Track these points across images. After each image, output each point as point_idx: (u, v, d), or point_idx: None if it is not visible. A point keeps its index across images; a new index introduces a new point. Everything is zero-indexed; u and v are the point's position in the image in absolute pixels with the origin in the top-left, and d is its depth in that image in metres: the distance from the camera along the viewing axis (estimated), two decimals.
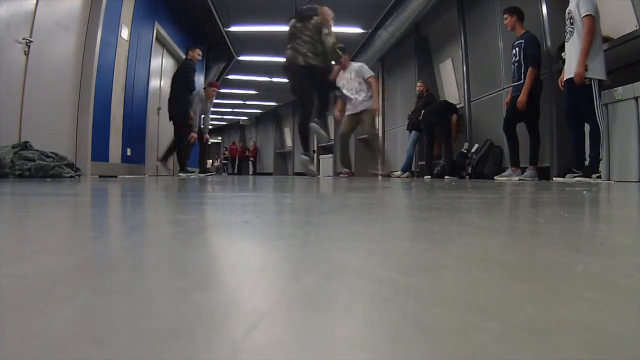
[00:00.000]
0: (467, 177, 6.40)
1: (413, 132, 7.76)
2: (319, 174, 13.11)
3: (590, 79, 4.12)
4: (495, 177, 5.51)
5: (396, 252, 0.56)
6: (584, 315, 0.30)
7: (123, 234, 0.74)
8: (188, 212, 1.16)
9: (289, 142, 19.05)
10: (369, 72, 6.60)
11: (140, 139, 7.04)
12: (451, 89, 8.19)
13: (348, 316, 0.31)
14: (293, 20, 5.58)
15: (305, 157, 5.72)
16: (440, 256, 0.53)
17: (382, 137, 10.64)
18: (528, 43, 4.89)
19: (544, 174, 5.04)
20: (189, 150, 7.51)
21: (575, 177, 4.32)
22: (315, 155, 14.82)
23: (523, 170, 5.13)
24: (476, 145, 6.46)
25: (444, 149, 6.90)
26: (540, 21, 5.18)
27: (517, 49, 5.02)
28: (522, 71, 4.94)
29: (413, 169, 8.30)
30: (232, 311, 0.31)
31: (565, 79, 4.35)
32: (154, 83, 7.70)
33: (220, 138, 28.21)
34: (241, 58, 11.41)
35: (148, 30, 7.05)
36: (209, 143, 7.97)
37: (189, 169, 7.38)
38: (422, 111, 7.20)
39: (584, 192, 2.26)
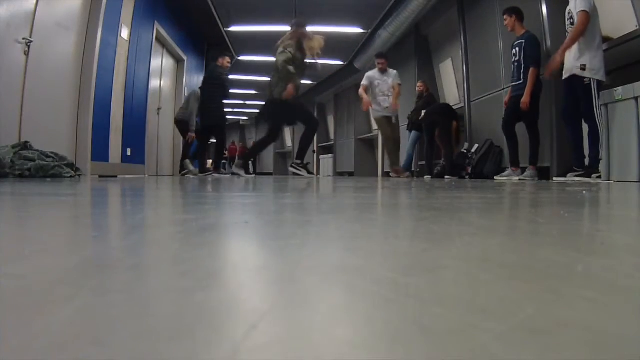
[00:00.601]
0: (467, 177, 6.40)
1: (413, 132, 7.76)
2: (318, 174, 13.12)
3: (590, 78, 4.14)
4: (495, 177, 5.51)
5: (396, 252, 0.56)
6: (584, 315, 0.30)
7: (123, 234, 0.74)
8: (188, 212, 1.16)
9: (289, 142, 19.05)
10: (399, 80, 7.22)
11: (140, 139, 7.04)
12: (451, 89, 8.18)
13: (348, 316, 0.31)
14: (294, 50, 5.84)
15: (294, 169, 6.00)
16: (440, 256, 0.53)
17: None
18: (528, 43, 4.89)
19: (544, 174, 5.04)
20: (188, 150, 7.59)
21: (575, 176, 4.32)
22: (315, 155, 14.84)
23: (523, 170, 5.13)
24: (476, 145, 6.46)
25: (444, 149, 6.90)
26: (540, 21, 5.18)
27: (517, 49, 5.02)
28: (522, 71, 4.94)
29: (413, 169, 8.30)
30: (232, 311, 0.31)
31: (564, 77, 4.36)
32: (154, 83, 7.70)
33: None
34: (241, 58, 11.41)
35: (148, 30, 7.05)
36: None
37: (190, 169, 7.46)
38: (423, 111, 7.21)
39: (584, 192, 2.26)
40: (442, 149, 7.04)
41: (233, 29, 9.47)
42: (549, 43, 5.05)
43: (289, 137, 18.83)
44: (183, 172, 7.48)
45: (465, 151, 6.64)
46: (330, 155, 14.29)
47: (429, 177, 6.98)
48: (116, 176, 5.54)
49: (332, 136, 14.74)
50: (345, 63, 10.96)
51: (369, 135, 11.61)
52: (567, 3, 4.33)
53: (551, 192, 2.26)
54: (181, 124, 7.43)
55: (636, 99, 3.83)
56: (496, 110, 6.02)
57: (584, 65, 4.15)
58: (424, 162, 7.52)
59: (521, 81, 4.95)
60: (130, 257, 0.52)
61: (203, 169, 7.52)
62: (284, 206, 1.36)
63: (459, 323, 0.28)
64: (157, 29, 7.36)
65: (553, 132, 5.01)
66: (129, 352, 0.23)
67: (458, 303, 0.33)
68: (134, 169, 6.59)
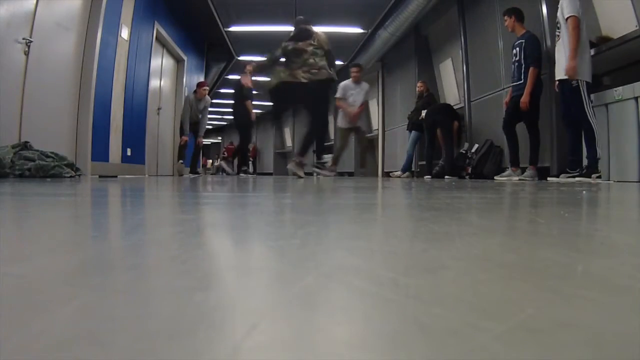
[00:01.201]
0: (467, 177, 6.41)
1: (413, 132, 7.76)
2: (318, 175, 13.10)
3: (577, 80, 4.19)
4: (495, 177, 5.51)
5: (396, 252, 0.56)
6: (584, 315, 0.30)
7: (123, 234, 0.74)
8: (188, 212, 1.16)
9: (289, 142, 19.05)
10: (368, 97, 7.39)
11: (140, 139, 7.05)
12: (451, 89, 8.19)
13: (348, 316, 0.31)
14: (291, 43, 5.71)
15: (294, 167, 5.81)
16: (440, 256, 0.53)
17: (382, 137, 10.66)
18: (528, 43, 4.90)
19: (543, 174, 5.04)
20: (182, 152, 7.70)
21: (570, 177, 4.34)
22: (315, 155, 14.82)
23: (523, 170, 5.13)
24: (476, 145, 6.46)
25: (445, 149, 6.90)
26: (540, 21, 5.18)
27: (517, 49, 5.02)
28: (522, 71, 4.95)
29: (413, 169, 8.30)
30: (232, 311, 0.31)
31: (556, 80, 4.42)
32: (154, 83, 7.70)
33: (220, 138, 28.20)
34: (241, 58, 11.41)
35: (148, 30, 7.05)
36: (201, 145, 8.18)
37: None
38: (424, 111, 7.21)
39: (584, 192, 2.26)
40: (442, 149, 7.04)
41: (233, 29, 9.47)
42: (548, 43, 5.06)
43: (289, 138, 18.83)
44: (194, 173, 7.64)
45: (464, 151, 6.64)
46: (330, 155, 14.26)
47: (429, 177, 6.98)
48: (116, 176, 5.54)
49: (332, 136, 14.73)
50: (345, 63, 10.96)
51: (369, 135, 11.60)
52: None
53: (551, 192, 2.26)
54: (184, 124, 7.58)
55: (636, 99, 3.83)
56: (496, 110, 6.02)
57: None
58: (424, 162, 7.52)
59: (522, 81, 4.95)
60: (130, 257, 0.52)
61: (193, 171, 7.75)
62: (284, 206, 1.36)
63: (459, 323, 0.28)
64: (157, 29, 7.36)
65: (553, 132, 5.01)
66: (129, 352, 0.23)
67: (458, 303, 0.33)
68: (134, 169, 6.59)
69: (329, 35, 5.91)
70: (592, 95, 4.23)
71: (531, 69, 4.83)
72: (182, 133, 7.58)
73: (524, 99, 4.84)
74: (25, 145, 3.95)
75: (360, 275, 0.42)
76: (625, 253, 0.59)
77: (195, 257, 0.51)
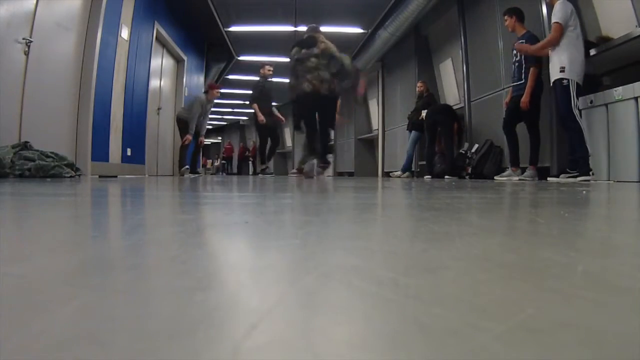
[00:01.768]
0: (467, 177, 6.41)
1: (413, 132, 7.76)
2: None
3: (568, 79, 4.24)
4: (495, 177, 5.51)
5: (396, 252, 0.56)
6: (584, 315, 0.30)
7: (123, 234, 0.74)
8: (188, 212, 1.16)
9: (288, 142, 19.05)
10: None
11: (140, 139, 7.05)
12: (451, 89, 8.19)
13: (348, 316, 0.31)
14: (296, 49, 5.76)
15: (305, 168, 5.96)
16: (441, 256, 0.53)
17: (382, 137, 10.66)
18: (529, 43, 4.90)
19: (544, 174, 5.05)
20: (185, 153, 7.69)
21: (569, 177, 4.35)
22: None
23: (523, 170, 5.13)
24: (476, 145, 6.46)
25: (446, 148, 6.91)
26: (540, 21, 5.18)
27: None
28: (523, 71, 4.96)
29: (413, 169, 8.30)
30: (232, 311, 0.31)
31: (551, 82, 4.48)
32: (154, 83, 7.71)
33: (220, 138, 28.20)
34: (241, 58, 11.42)
35: (148, 30, 7.05)
36: (202, 145, 8.21)
37: (187, 168, 7.58)
38: (424, 110, 7.21)
39: (584, 192, 2.26)
40: (442, 149, 7.04)
41: (233, 29, 9.48)
42: None
43: (289, 138, 18.83)
44: (194, 173, 7.63)
45: (463, 152, 6.65)
46: (330, 155, 14.27)
47: (429, 177, 6.98)
48: (116, 176, 5.54)
49: (332, 136, 14.72)
50: None
51: (369, 135, 11.62)
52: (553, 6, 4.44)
53: (551, 192, 2.26)
54: (184, 123, 7.47)
55: (636, 99, 3.83)
56: (496, 110, 6.02)
57: (563, 67, 4.32)
58: (424, 162, 7.53)
59: (522, 81, 4.96)
60: (130, 257, 0.52)
61: (194, 170, 7.72)
62: (284, 206, 1.36)
63: (459, 323, 0.28)
64: (157, 29, 7.36)
65: (553, 132, 5.01)
66: (129, 352, 0.23)
67: (458, 303, 0.33)
68: (134, 169, 6.59)
69: (329, 36, 5.90)
70: (580, 98, 4.30)
71: (532, 69, 4.84)
72: (185, 132, 7.48)
73: (525, 99, 4.85)
74: (25, 145, 3.95)
75: (360, 275, 0.42)
76: (625, 253, 0.59)
77: (195, 257, 0.51)
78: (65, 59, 4.95)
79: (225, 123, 24.68)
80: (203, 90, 7.77)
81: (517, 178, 5.08)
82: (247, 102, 8.48)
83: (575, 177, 4.32)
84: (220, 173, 21.61)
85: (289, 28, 9.05)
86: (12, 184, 2.58)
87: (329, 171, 6.01)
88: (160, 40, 7.82)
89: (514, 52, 5.08)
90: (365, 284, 0.38)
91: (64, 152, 4.41)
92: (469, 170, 6.37)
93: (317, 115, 5.87)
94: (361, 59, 9.71)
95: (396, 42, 8.66)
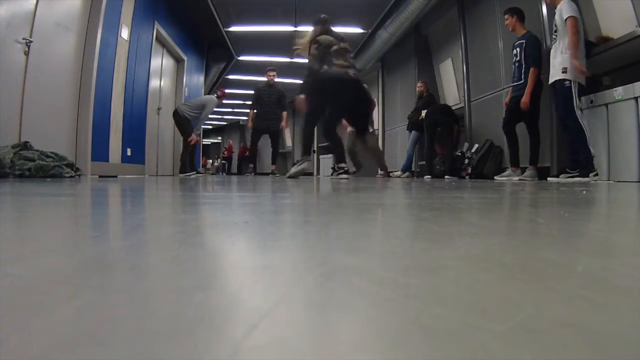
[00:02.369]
0: (467, 177, 6.41)
1: (413, 132, 7.76)
2: (318, 174, 13.12)
3: (570, 80, 4.24)
4: (495, 177, 5.51)
5: (396, 252, 0.56)
6: (584, 315, 0.30)
7: (123, 234, 0.74)
8: (188, 212, 1.16)
9: (288, 142, 19.04)
10: None
11: (140, 139, 7.05)
12: (451, 89, 8.19)
13: (348, 316, 0.31)
14: (319, 27, 5.06)
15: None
16: (441, 256, 0.53)
17: (382, 137, 10.65)
18: (529, 43, 4.90)
19: (544, 174, 5.05)
20: (187, 152, 7.68)
21: (570, 177, 4.35)
22: (315, 155, 14.83)
23: (523, 170, 5.13)
24: (476, 145, 6.46)
25: (445, 148, 6.91)
26: (540, 21, 5.19)
27: (517, 49, 5.03)
28: (523, 71, 4.96)
29: (413, 169, 8.30)
30: (232, 311, 0.31)
31: (549, 83, 4.47)
32: (154, 83, 7.71)
33: (220, 138, 28.20)
34: (241, 58, 11.42)
35: (148, 30, 7.05)
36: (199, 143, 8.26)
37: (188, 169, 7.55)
38: (424, 110, 7.21)
39: (584, 192, 2.26)
40: (442, 149, 7.04)
41: (233, 29, 9.48)
42: (549, 43, 5.06)
43: (289, 138, 18.82)
44: (192, 173, 7.67)
45: (460, 153, 6.65)
46: (330, 155, 14.26)
47: (429, 177, 6.99)
48: (116, 176, 5.54)
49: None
50: None
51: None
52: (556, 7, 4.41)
53: (551, 192, 2.26)
54: (185, 120, 7.40)
55: (636, 99, 3.84)
56: (496, 110, 6.02)
57: (565, 68, 4.29)
58: (424, 162, 7.53)
59: (522, 81, 4.97)
60: (130, 257, 0.52)
61: (193, 169, 7.71)
62: (284, 206, 1.36)
63: (459, 323, 0.28)
64: (157, 29, 7.36)
65: (553, 132, 5.01)
66: (129, 352, 0.23)
67: (458, 303, 0.33)
68: (134, 169, 6.59)
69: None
70: (582, 98, 4.28)
71: (532, 69, 4.84)
72: (186, 130, 7.39)
73: (525, 99, 4.85)
74: (25, 145, 3.95)
75: (360, 275, 0.42)
76: (625, 253, 0.59)
77: (195, 257, 0.51)
78: (65, 59, 4.95)
79: (225, 123, 24.69)
80: (216, 95, 7.72)
81: (517, 178, 5.08)
82: (248, 103, 8.56)
83: (574, 177, 4.32)
84: (220, 173, 21.63)
85: (289, 28, 9.05)
86: (12, 184, 2.58)
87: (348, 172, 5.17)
88: (160, 40, 7.82)
89: (514, 51, 5.08)
90: (365, 283, 0.38)
91: (64, 152, 4.41)
92: (469, 170, 6.37)
93: (344, 107, 5.06)
94: (361, 59, 9.72)
95: (396, 42, 8.66)
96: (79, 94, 5.16)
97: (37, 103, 4.40)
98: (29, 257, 0.50)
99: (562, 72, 4.31)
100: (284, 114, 8.33)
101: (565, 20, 4.23)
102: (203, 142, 8.42)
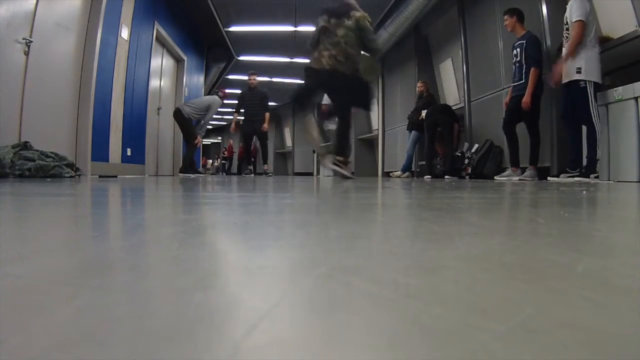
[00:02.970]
0: (467, 177, 6.41)
1: (413, 132, 7.76)
2: (318, 174, 13.11)
3: (585, 81, 4.17)
4: (495, 177, 5.51)
5: (396, 252, 0.56)
6: (584, 315, 0.30)
7: (123, 234, 0.74)
8: (188, 212, 1.16)
9: (288, 142, 19.04)
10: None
11: (140, 139, 7.05)
12: (451, 89, 8.19)
13: (348, 316, 0.31)
14: (324, 17, 4.77)
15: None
16: (441, 256, 0.53)
17: (382, 137, 10.66)
18: (529, 43, 4.90)
19: (544, 174, 5.05)
20: (193, 154, 7.69)
21: (569, 177, 4.34)
22: (315, 155, 14.83)
23: (523, 170, 5.13)
24: (476, 145, 6.46)
25: (445, 148, 6.91)
26: (540, 21, 5.18)
27: (518, 49, 5.03)
28: (523, 71, 4.96)
29: (413, 169, 8.30)
30: (232, 311, 0.31)
31: (563, 82, 4.40)
32: (154, 83, 7.70)
33: (220, 138, 28.20)
34: (241, 58, 11.42)
35: (148, 30, 7.05)
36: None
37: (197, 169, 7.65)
38: (424, 110, 7.21)
39: (584, 192, 2.26)
40: (442, 149, 7.04)
41: (233, 29, 9.48)
42: (549, 43, 5.06)
43: (289, 138, 18.83)
44: (193, 173, 7.63)
45: (460, 153, 6.65)
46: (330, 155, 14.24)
47: (429, 177, 6.99)
48: (116, 176, 5.54)
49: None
50: None
51: (369, 135, 11.61)
52: (567, 2, 4.35)
53: (551, 192, 2.26)
54: (189, 122, 7.43)
55: (636, 99, 3.83)
56: (496, 110, 6.02)
57: (579, 68, 4.22)
58: (424, 162, 7.53)
59: (522, 81, 4.96)
60: (130, 257, 0.52)
61: (193, 170, 7.72)
62: (284, 206, 1.36)
63: (459, 323, 0.28)
64: (157, 29, 7.36)
65: (553, 132, 5.01)
66: (129, 352, 0.23)
67: (458, 303, 0.33)
68: (134, 169, 6.59)
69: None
70: (597, 95, 4.22)
71: (532, 69, 4.84)
72: (188, 130, 7.45)
73: (526, 99, 4.85)
74: (25, 145, 3.95)
75: (360, 275, 0.42)
76: (625, 253, 0.59)
77: (195, 257, 0.51)
78: (65, 59, 4.95)
79: (225, 123, 24.67)
80: (219, 95, 7.77)
81: (517, 178, 5.08)
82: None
83: (574, 177, 4.32)
84: (220, 173, 21.63)
85: (289, 28, 9.05)
86: (12, 184, 2.58)
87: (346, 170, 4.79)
88: (160, 40, 7.82)
89: (514, 52, 5.08)
90: (365, 283, 0.38)
91: (64, 152, 4.41)
92: (469, 170, 6.37)
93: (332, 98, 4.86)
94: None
95: (396, 42, 8.66)
96: (79, 94, 5.16)
97: (37, 103, 4.40)
98: (29, 257, 0.50)
99: (577, 73, 4.22)
100: (267, 115, 8.52)
101: (574, 22, 4.18)
102: (203, 142, 8.40)
